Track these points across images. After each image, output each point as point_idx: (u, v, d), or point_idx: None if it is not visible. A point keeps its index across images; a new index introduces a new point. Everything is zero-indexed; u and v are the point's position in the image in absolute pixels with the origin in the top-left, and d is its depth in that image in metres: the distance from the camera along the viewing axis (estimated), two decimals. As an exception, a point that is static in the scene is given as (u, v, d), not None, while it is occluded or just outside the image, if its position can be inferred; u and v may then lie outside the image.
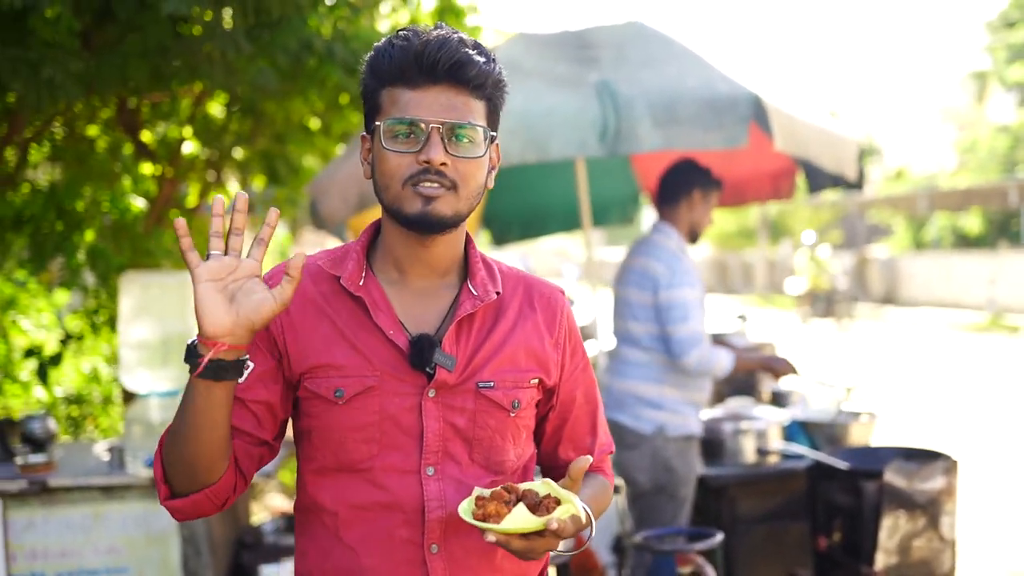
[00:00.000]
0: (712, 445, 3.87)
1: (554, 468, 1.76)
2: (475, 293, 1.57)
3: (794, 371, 3.83)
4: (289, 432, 1.71)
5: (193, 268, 1.35)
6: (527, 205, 5.89)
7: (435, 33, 1.48)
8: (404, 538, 1.53)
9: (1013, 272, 19.53)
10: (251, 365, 1.46)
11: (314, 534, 1.59)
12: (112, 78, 4.21)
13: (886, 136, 39.50)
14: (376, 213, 4.91)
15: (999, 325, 15.41)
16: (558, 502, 1.42)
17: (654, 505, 3.68)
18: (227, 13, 4.19)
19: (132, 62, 4.17)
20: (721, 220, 25.23)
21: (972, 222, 26.84)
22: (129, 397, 5.89)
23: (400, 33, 1.50)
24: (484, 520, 1.39)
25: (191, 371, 1.38)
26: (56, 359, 5.88)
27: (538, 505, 1.42)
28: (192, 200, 6.38)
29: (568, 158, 3.32)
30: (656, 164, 5.82)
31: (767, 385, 4.74)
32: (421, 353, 1.51)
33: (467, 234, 1.63)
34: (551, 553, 1.52)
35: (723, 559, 3.21)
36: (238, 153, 5.94)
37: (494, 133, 1.54)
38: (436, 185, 1.47)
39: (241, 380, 1.44)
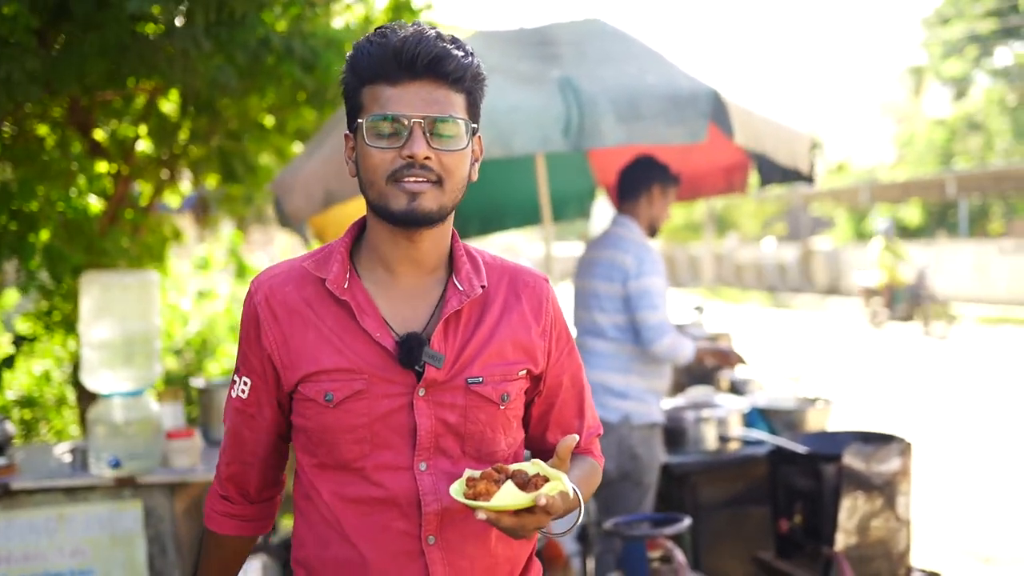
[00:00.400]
0: (675, 433, 3.96)
1: (543, 452, 1.79)
2: (461, 288, 1.59)
3: (743, 362, 3.94)
4: None
5: None
6: (486, 200, 5.94)
7: (412, 30, 1.50)
8: (401, 530, 1.56)
9: (950, 261, 20.04)
10: (248, 381, 1.62)
11: (313, 522, 1.62)
12: (69, 76, 4.17)
13: (827, 130, 40.18)
14: (340, 210, 4.89)
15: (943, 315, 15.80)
16: (547, 480, 1.46)
17: (619, 493, 3.76)
18: (185, 11, 4.18)
19: (90, 60, 4.14)
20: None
21: (912, 213, 27.45)
22: (85, 398, 5.84)
23: (378, 31, 1.52)
24: (475, 499, 1.43)
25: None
26: (9, 361, 5.81)
27: (527, 483, 1.45)
28: (144, 199, 6.32)
29: (532, 153, 3.37)
30: (613, 159, 5.90)
31: (725, 374, 4.84)
32: (410, 352, 1.52)
33: (453, 230, 1.64)
34: (553, 533, 1.57)
35: (690, 543, 3.29)
36: (193, 151, 5.89)
37: (475, 125, 1.55)
38: (421, 180, 1.48)
39: (244, 396, 1.64)
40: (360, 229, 1.64)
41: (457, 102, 1.51)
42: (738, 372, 4.88)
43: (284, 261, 1.68)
